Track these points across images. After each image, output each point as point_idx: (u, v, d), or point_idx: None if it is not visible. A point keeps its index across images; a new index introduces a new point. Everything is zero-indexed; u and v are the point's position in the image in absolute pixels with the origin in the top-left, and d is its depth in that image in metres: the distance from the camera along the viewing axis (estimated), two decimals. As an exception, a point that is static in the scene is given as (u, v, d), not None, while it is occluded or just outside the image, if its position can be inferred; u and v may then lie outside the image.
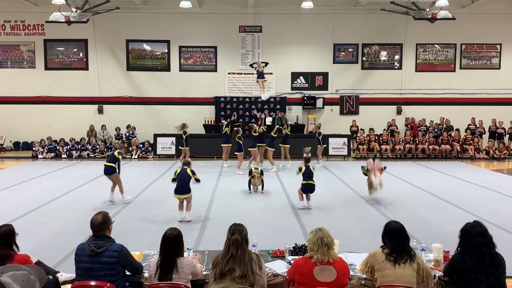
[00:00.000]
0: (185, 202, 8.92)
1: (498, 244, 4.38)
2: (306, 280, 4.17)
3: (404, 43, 21.22)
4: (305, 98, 21.18)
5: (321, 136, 16.46)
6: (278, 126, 16.82)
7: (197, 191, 10.05)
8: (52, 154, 19.17)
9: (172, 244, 4.39)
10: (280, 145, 16.15)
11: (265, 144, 15.48)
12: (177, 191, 8.89)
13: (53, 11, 16.81)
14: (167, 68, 21.37)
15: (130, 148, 19.43)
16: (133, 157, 19.03)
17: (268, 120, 19.23)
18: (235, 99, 21.07)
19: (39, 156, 18.94)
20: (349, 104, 21.45)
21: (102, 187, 10.88)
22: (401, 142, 19.54)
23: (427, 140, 19.50)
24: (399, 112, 21.55)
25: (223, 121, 17.55)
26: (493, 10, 20.47)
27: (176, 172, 9.05)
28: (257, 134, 15.19)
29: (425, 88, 21.21)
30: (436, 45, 21.40)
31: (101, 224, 4.51)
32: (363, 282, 4.67)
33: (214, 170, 15.35)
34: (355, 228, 8.39)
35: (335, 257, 4.22)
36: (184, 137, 16.08)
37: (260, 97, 17.71)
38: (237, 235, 4.16)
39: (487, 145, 19.77)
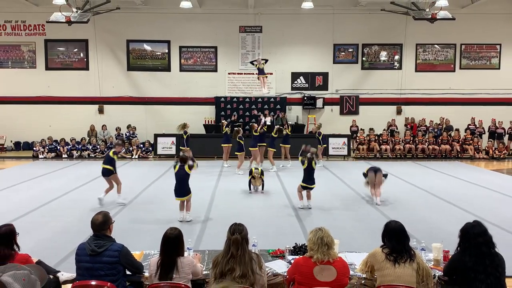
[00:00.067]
0: (185, 202, 8.95)
1: (497, 243, 4.39)
2: (306, 280, 4.18)
3: (404, 43, 21.24)
4: (305, 98, 21.20)
5: (321, 136, 16.48)
6: (278, 126, 16.85)
7: (198, 191, 10.09)
8: (53, 154, 19.19)
9: (172, 243, 4.40)
10: (280, 145, 16.17)
11: (265, 144, 15.50)
12: (178, 193, 8.87)
13: (53, 11, 16.83)
14: (167, 68, 21.39)
15: (131, 148, 19.47)
16: (133, 157, 19.05)
17: (269, 120, 19.23)
18: (235, 99, 21.09)
19: (40, 156, 18.96)
20: (349, 104, 21.47)
21: (103, 187, 10.86)
22: (401, 142, 19.55)
23: (427, 140, 19.51)
24: (399, 112, 21.57)
25: (223, 121, 17.57)
26: (492, 11, 20.48)
27: (175, 167, 8.95)
28: (258, 134, 15.21)
29: (425, 88, 21.23)
30: (436, 45, 21.42)
31: (101, 224, 4.52)
32: (363, 281, 4.68)
33: (215, 170, 15.36)
34: (355, 228, 8.40)
35: (335, 257, 4.23)
36: (184, 137, 16.10)
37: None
38: (237, 235, 4.17)
39: (487, 145, 19.78)
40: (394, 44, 21.39)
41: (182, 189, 8.82)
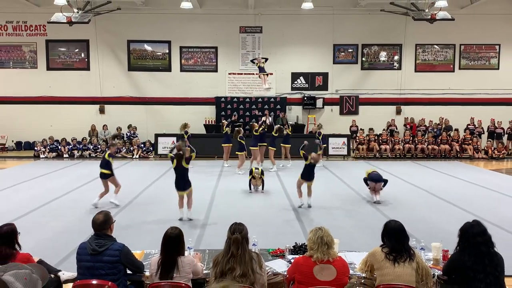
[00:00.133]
0: (185, 198, 8.93)
1: (497, 243, 4.41)
2: (306, 279, 4.19)
3: (403, 44, 21.26)
4: (305, 98, 21.22)
5: (321, 136, 16.50)
6: (279, 125, 16.89)
7: (198, 191, 10.10)
8: (54, 154, 19.22)
9: (173, 243, 4.41)
10: (281, 144, 16.21)
11: (265, 144, 15.53)
12: (178, 187, 8.89)
13: (55, 12, 16.85)
14: (168, 69, 21.41)
15: (132, 148, 19.50)
16: (134, 156, 19.08)
17: (269, 120, 19.26)
18: (235, 99, 21.11)
19: (41, 156, 18.99)
20: (348, 104, 21.49)
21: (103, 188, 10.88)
22: (400, 142, 19.57)
23: (426, 140, 19.53)
24: (398, 112, 21.59)
25: (223, 121, 17.59)
26: (492, 11, 20.50)
27: (172, 161, 8.88)
28: (258, 133, 15.23)
29: (424, 88, 21.25)
30: (435, 46, 21.44)
31: (102, 223, 4.54)
32: (362, 281, 4.69)
33: (215, 170, 15.39)
34: (355, 227, 8.42)
35: (335, 256, 4.24)
36: (185, 137, 16.11)
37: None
38: (238, 234, 4.19)
39: (486, 145, 19.80)
40: (394, 44, 21.41)
41: (182, 182, 8.83)
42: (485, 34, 21.05)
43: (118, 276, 4.39)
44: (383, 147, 19.40)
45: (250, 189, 11.67)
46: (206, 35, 21.09)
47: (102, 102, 21.20)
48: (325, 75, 21.45)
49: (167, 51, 21.35)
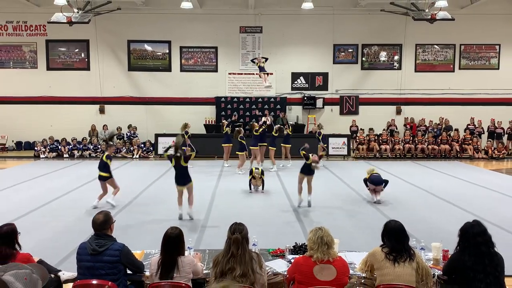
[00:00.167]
0: (185, 193, 8.90)
1: (497, 243, 4.41)
2: (306, 279, 4.19)
3: (403, 44, 21.26)
4: (305, 98, 21.22)
5: (321, 136, 16.51)
6: (278, 125, 16.91)
7: (198, 191, 10.10)
8: (54, 154, 19.23)
9: (173, 243, 4.42)
10: (281, 144, 16.22)
11: (266, 144, 15.53)
12: (178, 182, 8.88)
13: (55, 12, 16.86)
14: (168, 69, 21.42)
15: (132, 148, 19.51)
16: (134, 156, 19.10)
17: (269, 121, 19.24)
18: (235, 99, 21.12)
19: (41, 156, 19.00)
20: (349, 104, 21.50)
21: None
22: (400, 142, 19.58)
23: (427, 140, 19.54)
24: (398, 112, 21.59)
25: (223, 121, 17.60)
26: (492, 11, 20.50)
27: (171, 161, 8.85)
28: (258, 133, 15.23)
29: (424, 88, 21.26)
30: (435, 46, 21.44)
31: (102, 223, 4.54)
32: (362, 281, 4.69)
33: (215, 169, 15.39)
34: (355, 227, 8.42)
35: (335, 256, 4.24)
36: (186, 137, 16.11)
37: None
38: (238, 234, 4.19)
39: (486, 145, 19.80)
40: (394, 44, 21.42)
41: (182, 177, 8.83)
42: (485, 34, 21.06)
43: (118, 276, 4.40)
44: (383, 147, 19.40)
45: (250, 189, 11.67)
46: (206, 35, 21.09)
47: (102, 102, 21.20)
48: (325, 75, 21.45)
49: (167, 51, 21.35)
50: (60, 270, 4.91)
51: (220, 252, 4.27)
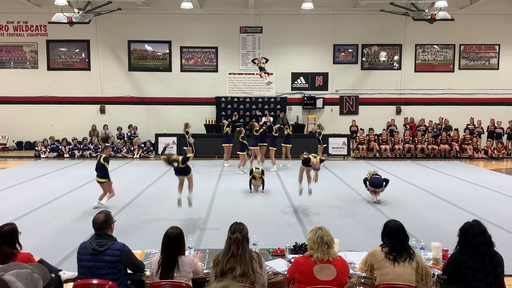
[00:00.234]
0: (186, 182, 8.92)
1: (496, 243, 4.43)
2: (306, 279, 4.20)
3: (403, 44, 21.27)
4: (305, 98, 21.24)
5: (321, 136, 16.51)
6: (278, 124, 16.92)
7: (198, 190, 10.12)
8: (55, 154, 19.25)
9: (173, 242, 4.43)
10: (282, 144, 16.23)
11: (266, 144, 15.54)
12: (178, 173, 8.90)
13: (55, 12, 16.89)
14: (168, 69, 21.43)
15: (132, 148, 19.53)
16: (134, 156, 19.11)
17: (269, 121, 19.24)
18: (235, 99, 21.13)
19: (42, 156, 19.01)
20: (348, 104, 21.51)
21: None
22: (400, 142, 19.59)
23: (426, 140, 19.55)
24: (398, 112, 21.60)
25: (224, 121, 17.59)
26: (491, 11, 20.51)
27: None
28: (258, 134, 15.23)
29: (424, 88, 21.27)
30: (435, 46, 21.45)
31: (103, 223, 4.55)
32: (362, 280, 4.70)
33: (215, 170, 15.40)
34: (355, 227, 8.43)
35: (335, 256, 4.26)
36: (187, 136, 16.14)
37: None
38: (238, 234, 4.20)
39: (486, 144, 19.81)
40: (394, 44, 21.42)
41: (182, 172, 8.86)
42: (485, 34, 21.06)
43: (118, 276, 4.41)
44: (383, 147, 19.41)
45: (251, 189, 11.68)
46: (206, 35, 21.10)
47: (102, 102, 21.22)
48: (325, 75, 21.46)
49: (168, 51, 21.37)
50: (60, 270, 4.92)
51: (220, 251, 4.28)
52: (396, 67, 21.53)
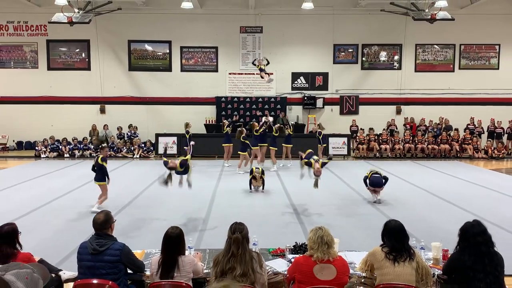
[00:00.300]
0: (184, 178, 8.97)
1: (497, 243, 4.43)
2: (306, 279, 4.20)
3: (403, 44, 21.27)
4: (305, 98, 21.23)
5: (321, 136, 16.52)
6: (278, 124, 16.91)
7: (199, 190, 10.13)
8: (55, 154, 19.25)
9: (173, 242, 4.43)
10: (282, 144, 16.22)
11: (266, 144, 15.53)
12: (179, 173, 8.91)
13: (55, 12, 16.88)
14: (168, 69, 21.43)
15: (132, 147, 19.54)
16: (135, 156, 19.12)
17: (269, 121, 19.24)
18: (236, 99, 21.13)
19: (42, 156, 19.02)
20: (349, 104, 21.51)
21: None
22: (400, 141, 19.59)
23: (426, 139, 19.55)
24: (398, 112, 21.60)
25: (224, 121, 17.59)
26: (492, 11, 20.50)
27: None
28: (258, 133, 15.23)
29: (424, 88, 21.27)
30: (435, 46, 21.44)
31: (103, 223, 4.56)
32: (362, 280, 4.70)
33: (215, 169, 15.40)
34: (355, 227, 8.43)
35: (335, 256, 4.26)
36: (187, 136, 16.15)
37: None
38: (238, 234, 4.20)
39: (486, 144, 19.81)
40: (394, 44, 21.42)
41: (182, 172, 8.88)
42: (485, 34, 21.06)
43: (118, 276, 4.41)
44: (383, 146, 19.41)
45: (251, 188, 11.68)
46: (206, 35, 21.10)
47: (102, 102, 21.22)
48: (325, 75, 21.46)
49: (168, 51, 21.37)
50: (61, 270, 4.93)
51: (221, 251, 4.28)
52: (396, 67, 21.53)
